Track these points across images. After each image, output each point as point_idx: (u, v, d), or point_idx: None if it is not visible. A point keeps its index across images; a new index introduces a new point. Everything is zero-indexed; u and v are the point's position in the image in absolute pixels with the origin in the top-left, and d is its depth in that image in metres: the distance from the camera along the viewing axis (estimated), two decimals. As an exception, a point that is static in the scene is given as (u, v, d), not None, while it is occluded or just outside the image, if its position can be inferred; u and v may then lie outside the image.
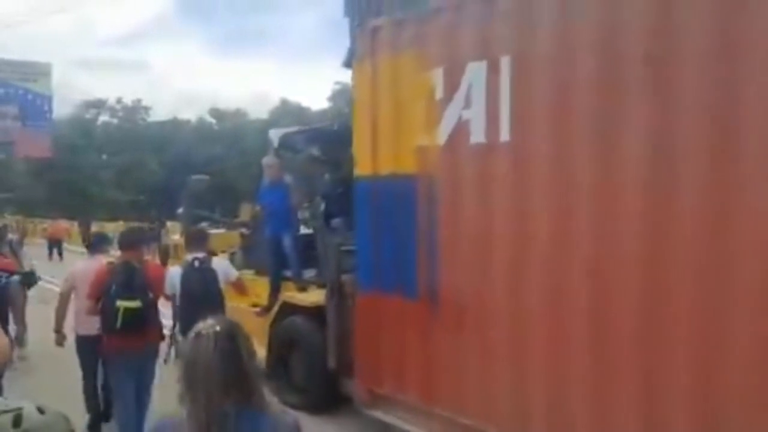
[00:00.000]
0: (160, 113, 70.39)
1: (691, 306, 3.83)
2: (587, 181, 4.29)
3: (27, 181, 54.87)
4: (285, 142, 8.44)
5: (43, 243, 27.16)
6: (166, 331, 6.27)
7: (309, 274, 7.80)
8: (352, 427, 6.67)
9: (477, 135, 4.94)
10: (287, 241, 7.85)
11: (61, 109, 55.78)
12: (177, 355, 5.99)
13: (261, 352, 7.91)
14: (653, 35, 3.95)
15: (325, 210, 7.89)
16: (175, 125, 67.08)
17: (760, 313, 3.55)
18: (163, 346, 6.28)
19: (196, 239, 6.42)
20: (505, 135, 4.75)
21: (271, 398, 2.28)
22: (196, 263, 6.03)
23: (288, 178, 8.13)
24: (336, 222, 7.91)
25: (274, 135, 8.67)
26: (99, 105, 66.25)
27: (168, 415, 2.25)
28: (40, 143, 51.49)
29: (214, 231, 10.10)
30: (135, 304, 5.18)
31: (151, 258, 8.31)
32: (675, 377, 3.91)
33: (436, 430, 5.47)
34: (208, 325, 2.19)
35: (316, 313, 7.01)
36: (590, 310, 4.32)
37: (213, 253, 7.02)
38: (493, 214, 4.90)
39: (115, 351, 5.38)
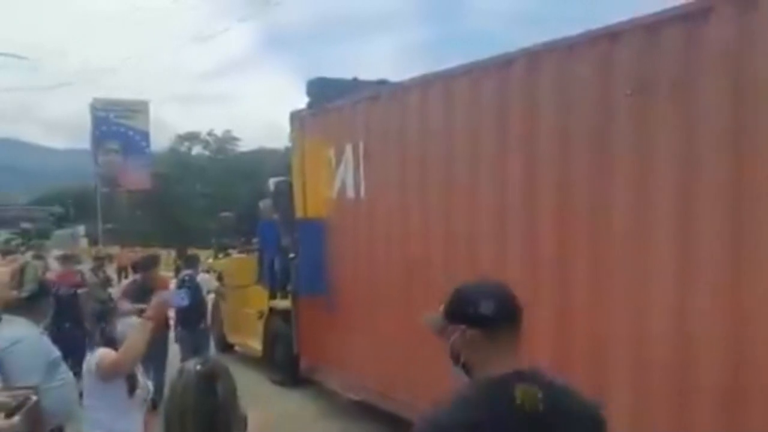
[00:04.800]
0: (249, 143, 74.79)
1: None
2: (402, 222, 6.86)
3: (128, 212, 59.75)
4: (277, 187, 11.30)
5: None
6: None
7: (290, 286, 10.60)
8: (312, 394, 9.43)
9: (350, 192, 7.64)
10: (277, 263, 10.71)
11: (158, 143, 60.43)
12: (176, 340, 8.83)
13: (259, 345, 10.85)
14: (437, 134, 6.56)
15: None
16: (263, 154, 71.27)
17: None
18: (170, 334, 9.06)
19: (188, 261, 9.33)
20: (363, 193, 7.44)
21: None
22: (186, 278, 8.91)
23: (275, 216, 10.96)
24: None
25: (272, 183, 11.57)
26: (192, 137, 71.11)
27: None
28: (140, 176, 56.11)
29: (236, 256, 13.14)
30: (142, 305, 8.09)
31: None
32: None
33: (345, 387, 8.19)
34: (192, 363, 2.20)
35: (289, 313, 9.77)
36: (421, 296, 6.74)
37: (205, 271, 9.95)
38: (359, 242, 7.59)
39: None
